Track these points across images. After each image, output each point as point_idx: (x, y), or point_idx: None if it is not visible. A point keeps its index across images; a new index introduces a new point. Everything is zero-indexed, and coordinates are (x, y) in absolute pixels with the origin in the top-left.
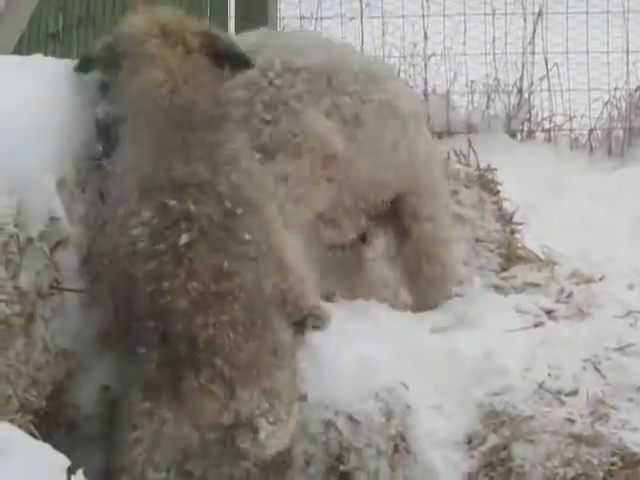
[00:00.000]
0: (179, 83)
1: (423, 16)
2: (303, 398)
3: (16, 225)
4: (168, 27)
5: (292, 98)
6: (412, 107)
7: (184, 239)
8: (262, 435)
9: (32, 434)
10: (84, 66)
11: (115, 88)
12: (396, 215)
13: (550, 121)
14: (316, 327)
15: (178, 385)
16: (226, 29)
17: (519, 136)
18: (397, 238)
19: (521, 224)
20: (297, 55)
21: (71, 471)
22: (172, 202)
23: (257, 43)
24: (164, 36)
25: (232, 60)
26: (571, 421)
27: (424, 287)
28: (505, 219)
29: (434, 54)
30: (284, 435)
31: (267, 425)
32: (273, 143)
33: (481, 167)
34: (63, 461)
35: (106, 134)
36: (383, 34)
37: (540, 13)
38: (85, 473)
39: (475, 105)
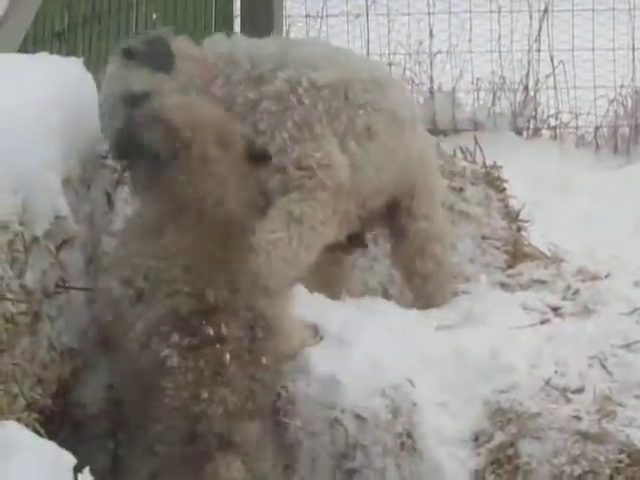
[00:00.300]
0: (226, 195)
1: (429, 13)
2: None
3: (22, 224)
4: (222, 130)
5: (316, 121)
6: (410, 111)
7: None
8: None
9: (38, 433)
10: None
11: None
12: (392, 214)
13: (556, 119)
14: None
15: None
16: (231, 27)
17: (525, 134)
18: (393, 236)
19: (527, 221)
20: (318, 70)
21: (77, 470)
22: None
23: (279, 55)
24: (219, 140)
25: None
26: (578, 418)
27: (419, 284)
28: (511, 216)
29: (440, 52)
30: None
31: None
32: (293, 173)
33: (487, 164)
34: (69, 460)
35: None
36: (389, 32)
37: (546, 10)
38: (91, 471)
39: (481, 103)
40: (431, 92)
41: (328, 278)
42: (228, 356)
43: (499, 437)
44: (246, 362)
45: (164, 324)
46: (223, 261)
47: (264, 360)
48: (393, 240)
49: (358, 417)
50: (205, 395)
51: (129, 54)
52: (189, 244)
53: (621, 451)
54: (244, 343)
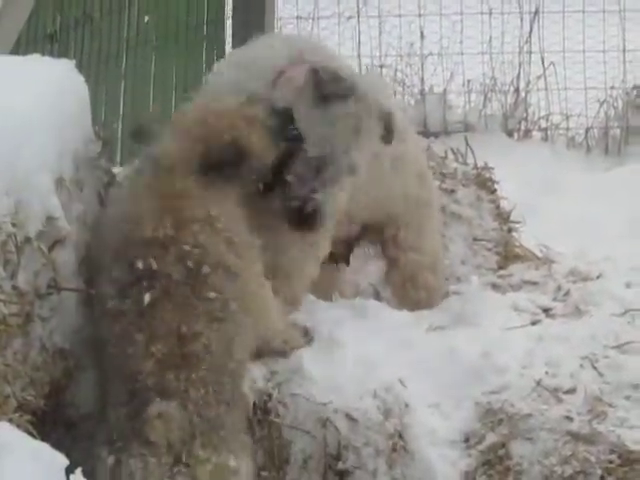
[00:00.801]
0: None
1: (420, 15)
2: None
3: (14, 224)
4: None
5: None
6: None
7: (147, 298)
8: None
9: (30, 433)
10: None
11: None
12: (380, 244)
13: (547, 120)
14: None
15: (141, 422)
16: (223, 29)
17: (516, 135)
18: (386, 264)
19: (518, 222)
20: None
21: (70, 470)
22: (138, 260)
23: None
24: None
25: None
26: (569, 419)
27: (411, 308)
28: (502, 217)
29: (431, 53)
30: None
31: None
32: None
33: (478, 166)
34: (62, 460)
35: None
36: (380, 33)
37: (536, 12)
38: (83, 472)
39: (472, 104)
40: (422, 94)
41: (320, 280)
42: (147, 295)
43: (490, 438)
44: (180, 302)
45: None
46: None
47: (211, 295)
48: (385, 267)
49: (350, 418)
50: (130, 349)
51: None
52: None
53: (612, 451)
54: (178, 279)
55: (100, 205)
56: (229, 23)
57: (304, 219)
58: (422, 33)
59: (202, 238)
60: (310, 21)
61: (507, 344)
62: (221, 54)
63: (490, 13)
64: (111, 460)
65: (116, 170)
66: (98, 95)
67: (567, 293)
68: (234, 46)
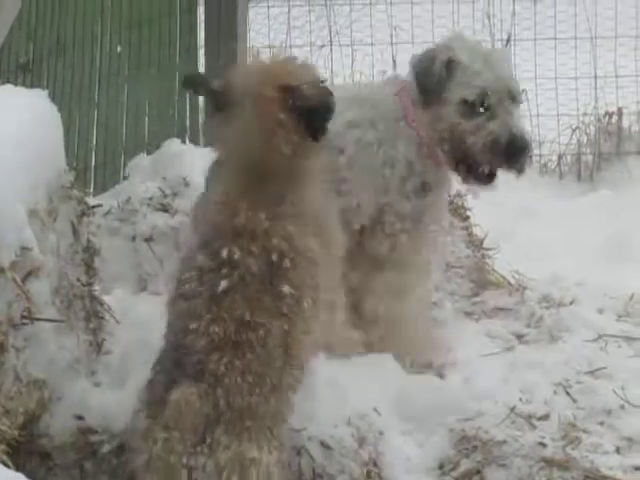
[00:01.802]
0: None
1: (392, 44)
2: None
3: None
4: None
5: None
6: None
7: (222, 285)
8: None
9: (5, 464)
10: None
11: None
12: None
13: None
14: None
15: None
16: (195, 59)
17: None
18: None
19: (491, 249)
20: None
21: None
22: (223, 249)
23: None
24: None
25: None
26: (543, 445)
27: None
28: (475, 244)
29: None
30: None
31: None
32: None
33: (451, 193)
34: None
35: None
36: (352, 62)
37: (508, 39)
38: None
39: None
40: None
41: None
42: (224, 282)
43: (465, 465)
44: (253, 293)
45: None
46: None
47: (285, 290)
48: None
49: (324, 445)
50: (193, 324)
51: None
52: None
53: (586, 477)
54: (256, 271)
55: (74, 235)
56: (201, 53)
57: None
58: (394, 61)
59: (291, 231)
60: (283, 50)
61: (481, 371)
62: None
63: None
64: (144, 424)
65: (89, 200)
66: (71, 125)
67: (540, 319)
68: (207, 75)
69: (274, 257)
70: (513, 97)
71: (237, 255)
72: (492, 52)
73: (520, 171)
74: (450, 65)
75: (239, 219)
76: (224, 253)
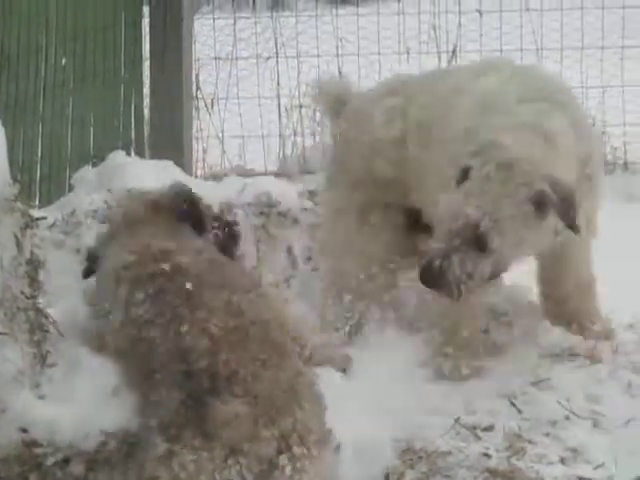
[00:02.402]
0: None
1: (338, 55)
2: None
3: None
4: None
5: None
6: None
7: (188, 285)
8: (285, 473)
9: None
10: None
11: None
12: None
13: None
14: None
15: (204, 415)
16: (140, 70)
17: None
18: None
19: None
20: None
21: None
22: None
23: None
24: None
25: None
26: (487, 456)
27: None
28: None
29: None
30: (309, 476)
31: (289, 464)
32: None
33: None
34: None
35: None
36: (299, 74)
37: (454, 51)
38: None
39: None
40: None
41: None
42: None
43: (410, 475)
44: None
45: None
46: None
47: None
48: None
49: None
50: (185, 327)
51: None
52: None
53: None
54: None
55: (17, 247)
56: (146, 64)
57: None
58: (340, 73)
59: None
60: (229, 62)
61: (426, 382)
62: (139, 95)
63: (408, 53)
64: (162, 449)
65: (34, 212)
66: (16, 137)
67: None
68: (152, 88)
69: None
70: None
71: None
72: None
73: None
74: None
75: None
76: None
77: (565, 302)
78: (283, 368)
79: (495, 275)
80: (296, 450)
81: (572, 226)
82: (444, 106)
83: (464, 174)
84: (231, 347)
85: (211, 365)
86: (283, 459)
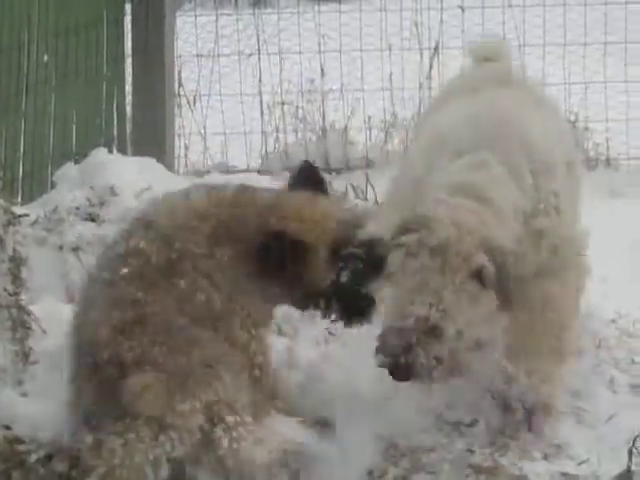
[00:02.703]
0: None
1: (320, 52)
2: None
3: None
4: None
5: None
6: None
7: (123, 271)
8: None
9: None
10: None
11: None
12: None
13: None
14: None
15: (118, 397)
16: (123, 68)
17: None
18: None
19: None
20: None
21: None
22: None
23: None
24: None
25: None
26: (471, 452)
27: None
28: None
29: (332, 90)
30: (247, 443)
31: (225, 435)
32: None
33: (379, 202)
34: None
35: None
36: (281, 70)
37: (436, 48)
38: None
39: (373, 140)
40: (323, 130)
41: None
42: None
43: (393, 472)
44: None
45: None
46: None
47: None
48: None
49: None
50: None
51: None
52: None
53: None
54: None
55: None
56: (128, 62)
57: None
58: (322, 70)
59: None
60: (210, 59)
61: None
62: (121, 93)
63: (390, 50)
64: (89, 440)
65: (16, 209)
66: None
67: None
68: (134, 85)
69: None
70: None
71: None
72: None
73: None
74: None
75: None
76: None
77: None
78: (198, 349)
79: (470, 347)
80: (229, 419)
81: (505, 292)
82: None
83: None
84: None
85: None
86: (218, 431)
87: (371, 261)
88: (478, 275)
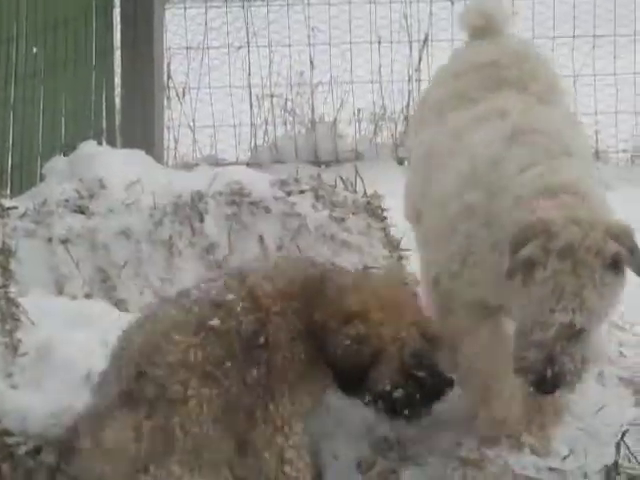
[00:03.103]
0: None
1: (309, 45)
2: None
3: None
4: None
5: None
6: None
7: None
8: None
9: None
10: None
11: None
12: None
13: None
14: None
15: None
16: (112, 60)
17: (406, 163)
18: None
19: (408, 250)
20: None
21: None
22: None
23: None
24: None
25: None
26: (458, 444)
27: None
28: (392, 245)
29: (321, 82)
30: None
31: None
32: None
33: (368, 194)
34: None
35: None
36: (270, 63)
37: (425, 40)
38: None
39: (362, 133)
40: (313, 123)
41: None
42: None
43: (381, 464)
44: None
45: None
46: None
47: None
48: None
49: None
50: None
51: None
52: None
53: (500, 476)
54: None
55: None
56: (117, 54)
57: None
58: (312, 62)
59: None
60: (200, 51)
61: None
62: (110, 85)
63: (379, 42)
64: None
65: (5, 202)
66: None
67: None
68: (123, 77)
69: None
70: None
71: None
72: None
73: None
74: None
75: None
76: None
77: None
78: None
79: None
80: None
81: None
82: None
83: (523, 266)
84: None
85: None
86: None
87: (430, 393)
88: (614, 264)
